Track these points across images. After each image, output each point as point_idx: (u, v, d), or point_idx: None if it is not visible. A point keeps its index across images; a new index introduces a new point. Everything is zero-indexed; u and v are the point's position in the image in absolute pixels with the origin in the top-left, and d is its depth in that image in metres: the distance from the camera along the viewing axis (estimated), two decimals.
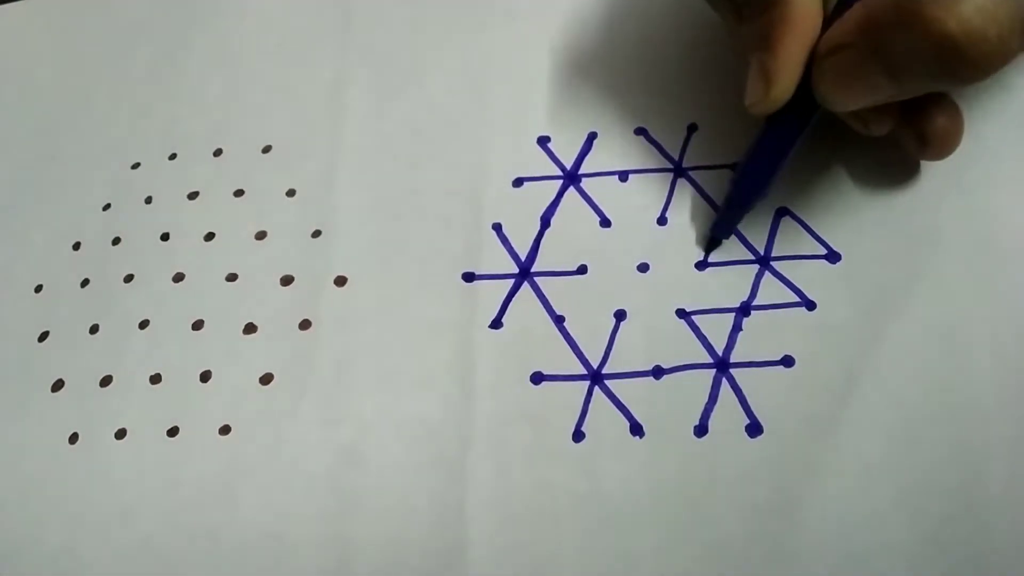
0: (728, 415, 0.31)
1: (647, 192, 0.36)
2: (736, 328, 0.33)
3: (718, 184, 0.36)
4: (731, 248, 0.34)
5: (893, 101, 0.30)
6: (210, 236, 0.37)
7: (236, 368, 0.34)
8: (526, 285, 0.35)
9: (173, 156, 0.39)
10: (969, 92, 0.35)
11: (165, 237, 0.37)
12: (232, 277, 0.36)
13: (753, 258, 0.34)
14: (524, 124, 0.38)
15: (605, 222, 0.36)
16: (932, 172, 0.34)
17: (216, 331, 0.35)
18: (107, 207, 0.39)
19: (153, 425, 0.34)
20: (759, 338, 0.32)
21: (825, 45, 0.29)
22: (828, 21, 0.30)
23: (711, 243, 0.35)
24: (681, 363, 0.32)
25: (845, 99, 0.30)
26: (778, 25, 0.30)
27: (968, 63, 0.26)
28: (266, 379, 0.34)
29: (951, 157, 0.34)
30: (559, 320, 0.34)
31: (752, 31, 0.31)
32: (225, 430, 0.33)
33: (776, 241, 0.34)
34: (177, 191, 0.38)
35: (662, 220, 0.35)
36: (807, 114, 0.31)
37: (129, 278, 0.37)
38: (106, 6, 0.45)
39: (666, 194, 0.36)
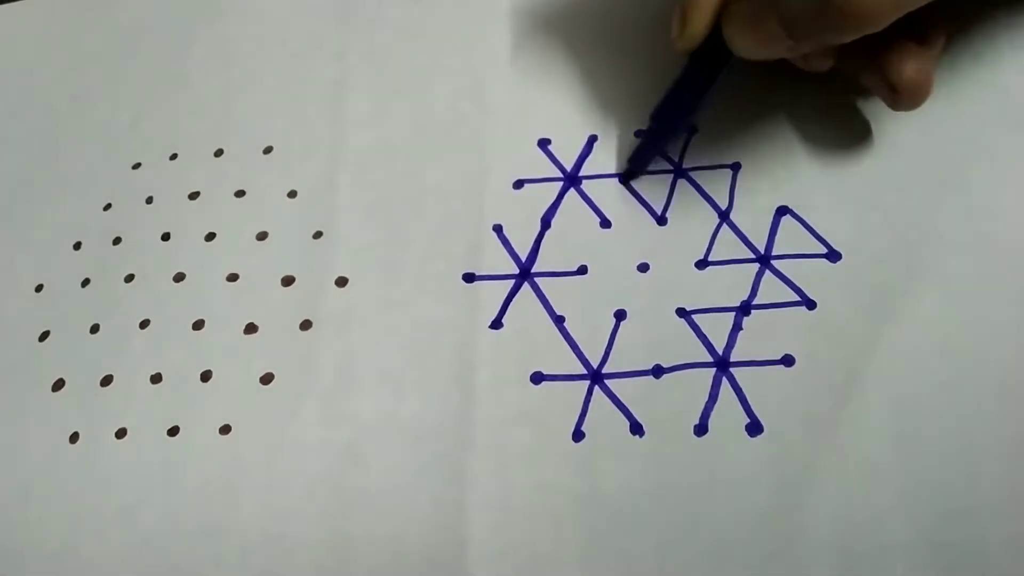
0: (728, 414, 0.31)
1: (647, 192, 0.36)
2: (736, 327, 0.33)
3: (718, 184, 0.36)
4: (731, 247, 0.34)
5: (794, 55, 0.31)
6: (211, 236, 0.37)
7: (237, 368, 0.34)
8: (526, 285, 0.35)
9: (174, 156, 0.40)
10: (969, 92, 0.36)
11: (166, 237, 0.37)
12: (233, 277, 0.36)
13: (753, 257, 0.34)
14: (525, 126, 0.38)
15: (605, 223, 0.36)
16: (932, 172, 0.34)
17: (217, 331, 0.35)
18: (108, 207, 0.39)
19: (154, 425, 0.34)
20: (759, 337, 0.32)
21: None
22: None
23: (628, 174, 0.36)
24: (681, 362, 0.32)
25: (748, 46, 0.31)
26: None
27: (842, 16, 0.27)
28: (267, 379, 0.34)
29: (951, 156, 0.34)
30: (559, 320, 0.34)
31: None
32: (225, 430, 0.33)
33: (776, 240, 0.34)
34: (178, 191, 0.39)
35: (662, 220, 0.35)
36: (724, 57, 0.32)
37: (130, 278, 0.37)
38: (106, 6, 0.45)
39: (666, 194, 0.36)
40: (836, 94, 0.36)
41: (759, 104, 0.37)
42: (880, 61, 0.32)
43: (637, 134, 0.37)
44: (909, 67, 0.32)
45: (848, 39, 0.29)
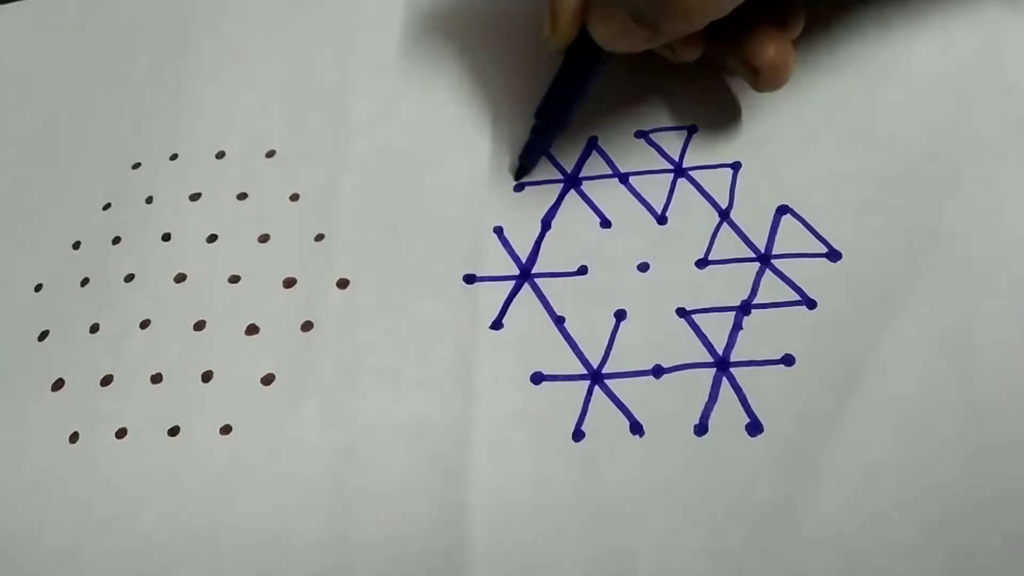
0: (728, 414, 0.31)
1: (647, 192, 0.36)
2: (736, 327, 0.33)
3: (719, 183, 0.36)
4: (732, 246, 0.34)
5: (654, 45, 0.31)
6: (212, 238, 0.37)
7: (238, 368, 0.34)
8: (527, 286, 0.35)
9: (174, 157, 0.40)
10: (970, 92, 0.36)
11: (166, 238, 0.37)
12: (235, 279, 0.36)
13: (754, 256, 0.34)
14: (525, 128, 0.38)
15: (605, 223, 0.36)
16: (933, 172, 0.34)
17: (218, 332, 0.35)
18: (107, 207, 0.39)
19: (154, 425, 0.34)
20: (759, 337, 0.32)
21: None
22: None
23: (520, 170, 0.37)
24: (681, 362, 0.32)
25: (610, 40, 0.32)
26: None
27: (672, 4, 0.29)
28: (267, 380, 0.34)
29: (952, 156, 0.34)
30: (559, 320, 0.34)
31: None
32: (226, 430, 0.33)
33: (777, 239, 0.34)
34: (178, 192, 0.39)
35: (662, 219, 0.35)
36: (596, 51, 0.33)
37: (130, 278, 0.37)
38: (107, 6, 0.45)
39: (666, 193, 0.36)
40: (836, 94, 0.36)
41: (759, 103, 0.37)
42: (742, 45, 0.33)
43: (637, 135, 0.37)
44: (769, 50, 0.33)
45: (695, 28, 0.30)
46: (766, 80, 0.33)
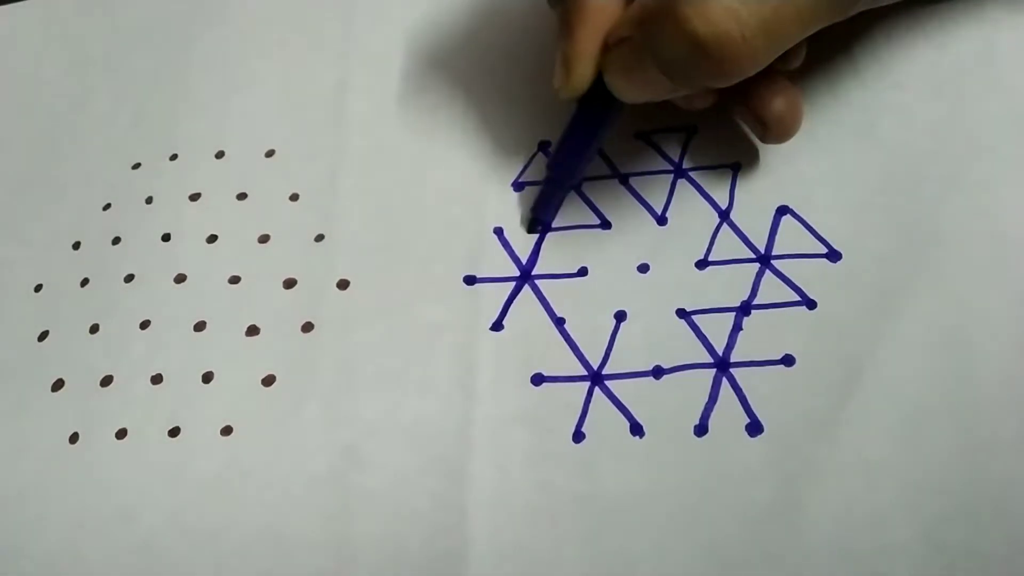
0: (728, 415, 0.31)
1: (647, 193, 0.36)
2: (736, 327, 0.33)
3: (718, 184, 0.36)
4: (731, 247, 0.34)
5: (677, 96, 0.31)
6: (212, 238, 0.37)
7: (238, 369, 0.34)
8: (527, 287, 0.35)
9: (174, 157, 0.40)
10: (970, 90, 0.36)
11: (166, 238, 0.37)
12: (235, 279, 0.36)
13: (753, 257, 0.34)
14: (525, 128, 0.38)
15: (605, 223, 0.36)
16: (933, 172, 0.34)
17: (218, 332, 0.35)
18: (107, 207, 0.39)
19: (154, 425, 0.34)
20: (759, 337, 0.32)
21: (611, 36, 0.30)
22: None
23: (532, 223, 0.36)
24: (681, 363, 0.32)
25: (629, 92, 0.31)
26: (574, 14, 0.31)
27: (716, 62, 0.27)
28: (268, 380, 0.34)
29: (952, 156, 0.34)
30: (560, 322, 0.34)
31: (557, 17, 0.32)
32: (227, 431, 0.33)
33: (776, 240, 0.34)
34: (178, 192, 0.39)
35: (662, 220, 0.35)
36: (611, 100, 0.32)
37: (130, 278, 0.37)
38: (107, 6, 0.45)
39: (666, 194, 0.36)
40: (836, 94, 0.36)
41: None
42: (750, 96, 0.33)
43: (637, 136, 0.37)
44: (778, 102, 0.33)
45: (726, 84, 0.29)
46: (774, 134, 0.33)
